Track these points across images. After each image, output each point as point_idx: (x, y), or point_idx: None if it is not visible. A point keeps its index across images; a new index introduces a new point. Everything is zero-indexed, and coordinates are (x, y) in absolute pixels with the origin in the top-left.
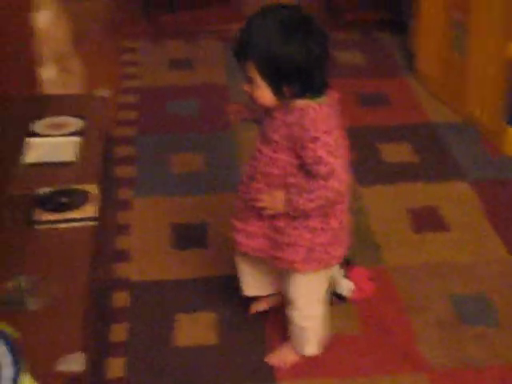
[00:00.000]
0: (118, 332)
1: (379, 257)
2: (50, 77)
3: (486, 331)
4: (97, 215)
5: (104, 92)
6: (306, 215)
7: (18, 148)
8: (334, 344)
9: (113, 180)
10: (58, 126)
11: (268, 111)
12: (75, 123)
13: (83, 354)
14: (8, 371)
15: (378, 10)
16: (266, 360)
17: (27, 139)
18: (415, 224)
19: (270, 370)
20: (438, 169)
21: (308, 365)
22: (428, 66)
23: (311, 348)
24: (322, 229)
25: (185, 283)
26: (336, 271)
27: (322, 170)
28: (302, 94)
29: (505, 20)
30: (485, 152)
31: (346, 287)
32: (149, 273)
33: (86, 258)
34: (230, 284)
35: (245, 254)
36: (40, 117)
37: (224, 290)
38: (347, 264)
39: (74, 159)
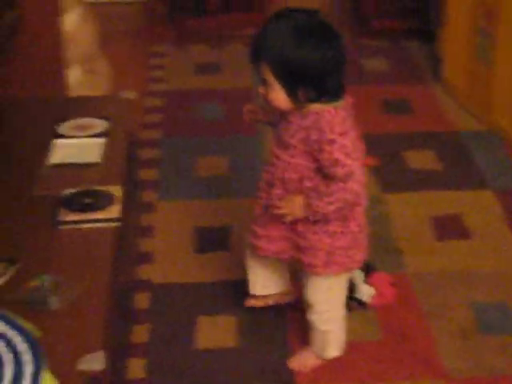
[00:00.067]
0: (140, 333)
1: (401, 263)
2: (76, 78)
3: (507, 340)
4: (120, 216)
5: (130, 94)
6: (325, 220)
7: (44, 149)
8: (353, 349)
9: (137, 182)
10: (84, 128)
11: (284, 116)
12: (100, 125)
13: (104, 353)
14: (29, 368)
15: (406, 19)
16: (287, 364)
17: (53, 140)
18: (438, 231)
19: (290, 373)
20: (461, 177)
21: (328, 369)
22: (454, 74)
23: (332, 351)
24: (342, 232)
25: (206, 286)
26: (357, 276)
27: (340, 172)
28: (317, 99)
29: None
30: (509, 161)
31: (367, 292)
32: (171, 275)
33: (108, 259)
34: None
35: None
36: (66, 118)
37: (245, 294)
38: (368, 269)
39: (98, 160)
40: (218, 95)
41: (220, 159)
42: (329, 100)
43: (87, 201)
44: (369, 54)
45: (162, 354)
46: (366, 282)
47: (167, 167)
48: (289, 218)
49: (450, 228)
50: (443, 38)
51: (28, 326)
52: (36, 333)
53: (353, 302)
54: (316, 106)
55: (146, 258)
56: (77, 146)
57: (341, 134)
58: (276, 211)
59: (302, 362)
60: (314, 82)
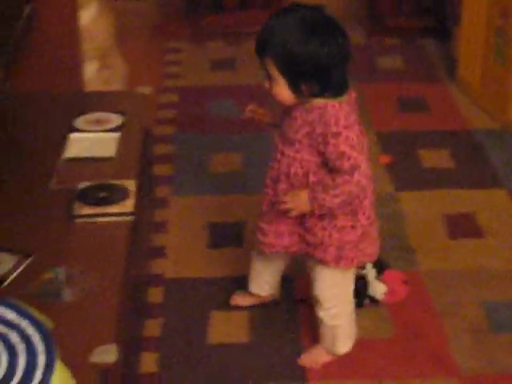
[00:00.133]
0: (152, 327)
1: (414, 260)
2: (91, 74)
3: None
4: (134, 210)
5: (145, 89)
6: (332, 214)
7: (60, 143)
8: (365, 346)
9: (151, 178)
10: (99, 122)
11: (288, 111)
12: (116, 119)
13: (116, 346)
14: (42, 359)
15: (422, 17)
16: (298, 361)
17: (69, 134)
18: (451, 229)
19: (302, 369)
20: (475, 175)
21: (339, 366)
22: (469, 72)
23: (343, 346)
24: (352, 227)
25: (219, 281)
26: (369, 274)
27: (346, 164)
28: (320, 93)
29: None
30: None
31: (379, 290)
32: (184, 270)
33: (122, 252)
34: None
35: (263, 253)
36: (82, 113)
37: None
38: (381, 267)
39: (113, 155)
40: (234, 92)
41: (234, 155)
42: (333, 95)
43: (102, 195)
44: (384, 52)
45: (175, 349)
46: (379, 279)
47: (181, 163)
48: (294, 213)
49: (463, 226)
50: (459, 36)
51: (41, 317)
52: (49, 324)
53: (365, 299)
54: (320, 101)
55: (159, 252)
56: (92, 141)
57: (346, 127)
58: (282, 206)
59: (313, 358)
60: (318, 76)
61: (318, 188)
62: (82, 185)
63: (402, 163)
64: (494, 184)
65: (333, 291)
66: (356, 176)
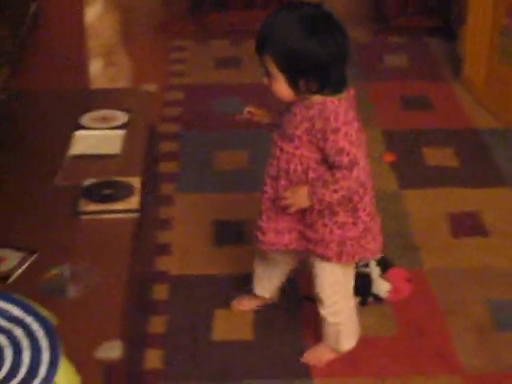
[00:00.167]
0: (157, 324)
1: (417, 259)
2: (97, 71)
3: None
4: (139, 207)
5: (150, 87)
6: (334, 212)
7: (66, 140)
8: (369, 344)
9: (156, 175)
10: (105, 120)
11: (287, 108)
12: (121, 117)
13: (120, 342)
14: (47, 355)
15: (427, 17)
16: (301, 359)
17: (75, 132)
18: (455, 228)
19: (306, 366)
20: (479, 174)
21: (343, 363)
22: (474, 71)
23: (346, 344)
24: (354, 223)
25: (224, 279)
26: (374, 272)
27: (345, 160)
28: (319, 90)
29: None
30: None
31: (383, 288)
32: (189, 267)
33: (127, 249)
34: None
35: (266, 257)
36: (88, 110)
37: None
38: (385, 265)
39: (118, 152)
40: (238, 90)
41: (239, 153)
42: (332, 92)
43: (107, 191)
44: (389, 51)
45: (179, 345)
46: (383, 277)
47: (186, 160)
48: (294, 209)
49: (466, 225)
50: (464, 36)
51: (46, 313)
52: (53, 320)
53: (369, 297)
54: (319, 98)
55: (164, 249)
56: (98, 138)
57: (345, 123)
58: (282, 202)
59: (317, 356)
60: (317, 73)
61: (317, 183)
62: (88, 182)
63: (406, 161)
64: (498, 183)
65: (333, 288)
66: (355, 171)
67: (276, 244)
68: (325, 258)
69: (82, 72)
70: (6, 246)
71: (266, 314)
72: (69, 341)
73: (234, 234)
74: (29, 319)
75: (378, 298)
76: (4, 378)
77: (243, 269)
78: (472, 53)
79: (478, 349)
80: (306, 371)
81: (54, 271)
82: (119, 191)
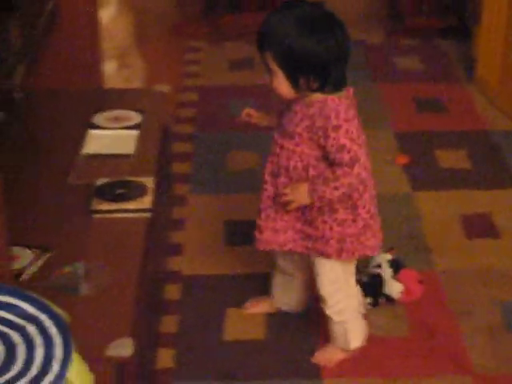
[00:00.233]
0: (169, 323)
1: (430, 260)
2: (111, 72)
3: None
4: (152, 207)
5: (164, 87)
6: (333, 208)
7: (80, 140)
8: (380, 345)
9: (170, 175)
10: (119, 119)
11: (288, 106)
12: (134, 117)
13: (132, 340)
14: (59, 351)
15: (442, 17)
16: (312, 359)
17: (89, 131)
18: (467, 230)
19: (316, 367)
20: (493, 176)
21: (354, 364)
22: (488, 73)
23: (354, 341)
24: (353, 220)
25: (236, 279)
26: (386, 273)
27: (346, 157)
28: (320, 89)
29: None
30: None
31: (395, 289)
32: (201, 267)
33: (139, 248)
34: None
35: (280, 265)
36: (102, 110)
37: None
38: (397, 266)
39: (132, 152)
40: (252, 91)
41: (252, 154)
42: (332, 90)
43: (120, 191)
44: (403, 52)
45: (191, 345)
46: (395, 278)
47: (200, 161)
48: (294, 205)
49: (479, 227)
50: (478, 36)
51: (58, 310)
52: (66, 318)
53: (381, 297)
54: (319, 95)
55: (176, 249)
56: (111, 138)
57: (346, 121)
58: (282, 199)
59: (327, 356)
60: (318, 71)
61: (318, 180)
62: (101, 181)
63: (419, 163)
64: (511, 185)
65: (334, 286)
66: (356, 168)
67: (272, 243)
68: (324, 255)
69: (96, 72)
70: (20, 244)
71: (277, 314)
72: (81, 338)
73: (247, 235)
74: (42, 316)
75: (389, 299)
76: (18, 373)
77: (255, 269)
78: (486, 53)
79: (489, 350)
80: (317, 371)
81: (67, 269)
82: (132, 191)
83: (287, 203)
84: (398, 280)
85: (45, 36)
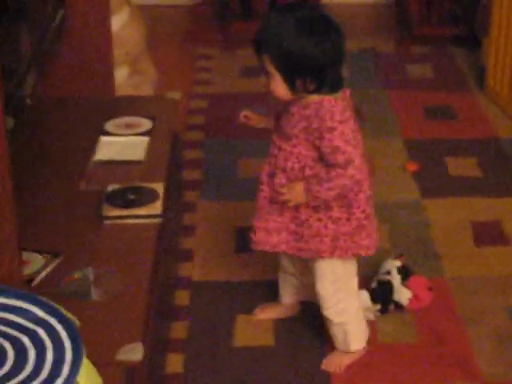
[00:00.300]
0: (179, 329)
1: (439, 267)
2: (122, 79)
3: None
4: (162, 213)
5: (175, 95)
6: (328, 207)
7: (91, 146)
8: (389, 351)
9: (180, 182)
10: (130, 126)
11: (285, 108)
12: (145, 124)
13: (142, 345)
14: (69, 355)
15: (452, 26)
16: (321, 366)
17: (100, 138)
18: (477, 237)
19: (326, 373)
20: (502, 184)
21: (363, 370)
22: (498, 81)
23: (355, 342)
24: (347, 219)
25: (245, 285)
26: (395, 279)
27: (340, 158)
28: (316, 90)
29: None
30: None
31: (404, 295)
32: (211, 273)
33: (150, 254)
34: None
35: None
36: (112, 117)
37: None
38: (406, 273)
39: (142, 158)
40: (263, 99)
41: (262, 161)
42: (328, 92)
43: (131, 197)
44: (413, 61)
45: (201, 351)
46: (404, 285)
47: (210, 168)
48: (290, 204)
49: (488, 234)
50: (488, 45)
51: (68, 314)
52: (76, 321)
53: (390, 304)
54: (316, 97)
55: (186, 255)
56: (122, 144)
57: (341, 122)
58: (279, 198)
59: (335, 362)
60: (314, 73)
61: (312, 180)
62: (112, 187)
63: (429, 171)
64: None
65: (335, 286)
66: (350, 170)
67: (264, 244)
68: (319, 253)
69: (107, 79)
70: (31, 250)
71: (287, 321)
72: (91, 342)
73: None
74: (52, 320)
75: (398, 306)
76: (28, 377)
77: (265, 275)
78: (496, 62)
79: (498, 357)
80: (327, 378)
81: (78, 274)
82: (143, 197)
83: (285, 202)
84: (407, 287)
85: (55, 44)
